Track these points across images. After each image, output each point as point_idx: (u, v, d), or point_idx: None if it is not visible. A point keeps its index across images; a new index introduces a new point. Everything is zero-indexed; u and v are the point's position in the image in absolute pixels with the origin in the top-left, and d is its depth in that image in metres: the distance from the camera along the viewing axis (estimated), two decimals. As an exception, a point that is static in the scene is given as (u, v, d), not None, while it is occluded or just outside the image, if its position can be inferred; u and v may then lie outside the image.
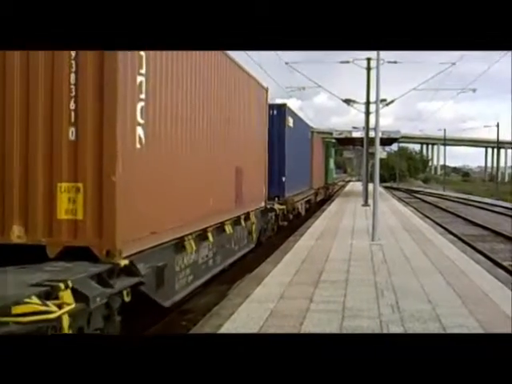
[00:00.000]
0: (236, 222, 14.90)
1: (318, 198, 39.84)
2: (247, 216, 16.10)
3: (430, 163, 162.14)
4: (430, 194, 70.52)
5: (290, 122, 23.85)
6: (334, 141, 52.43)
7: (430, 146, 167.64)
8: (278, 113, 22.61)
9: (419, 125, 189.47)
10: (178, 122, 10.13)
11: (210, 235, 11.97)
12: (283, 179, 22.64)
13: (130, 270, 8.27)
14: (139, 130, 8.51)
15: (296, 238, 19.38)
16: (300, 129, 27.98)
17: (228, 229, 13.50)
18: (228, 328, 8.53)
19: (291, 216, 24.24)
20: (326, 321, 8.97)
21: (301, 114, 32.72)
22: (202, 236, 11.79)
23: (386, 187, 77.99)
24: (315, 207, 35.56)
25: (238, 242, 15.47)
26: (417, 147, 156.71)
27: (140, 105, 8.46)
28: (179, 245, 10.41)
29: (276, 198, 21.64)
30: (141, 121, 8.54)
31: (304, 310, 9.59)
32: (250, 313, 9.43)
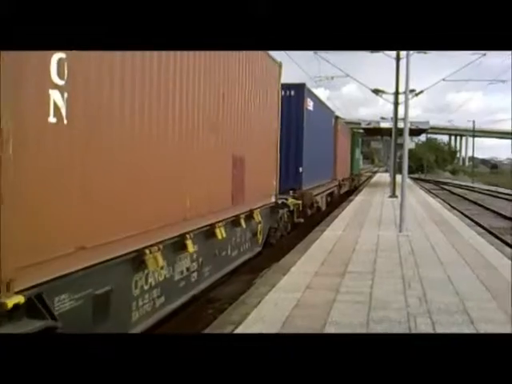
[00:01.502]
0: (234, 223, 11.84)
1: (343, 190, 36.52)
2: (250, 215, 13.01)
3: (457, 155, 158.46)
4: (458, 186, 68.18)
5: (310, 104, 20.62)
6: (361, 131, 51.48)
7: (458, 138, 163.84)
8: (296, 94, 19.38)
9: (447, 116, 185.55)
10: (134, 91, 7.12)
11: (189, 243, 8.91)
12: (300, 170, 19.49)
13: (35, 310, 5.30)
14: (55, 96, 5.49)
15: (322, 229, 18.59)
16: (322, 113, 24.65)
17: (220, 233, 10.42)
18: (254, 317, 8.39)
19: (309, 211, 21.05)
20: (353, 312, 8.74)
21: (329, 104, 29.76)
22: (177, 245, 8.76)
23: (413, 178, 75.90)
24: (339, 200, 32.35)
25: (236, 247, 12.41)
26: (445, 138, 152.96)
27: (56, 57, 5.45)
28: (137, 260, 7.40)
29: (291, 192, 18.52)
30: (59, 81, 5.53)
31: (330, 301, 9.35)
32: (277, 302, 9.22)
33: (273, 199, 15.51)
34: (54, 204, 5.58)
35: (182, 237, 8.79)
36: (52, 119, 5.46)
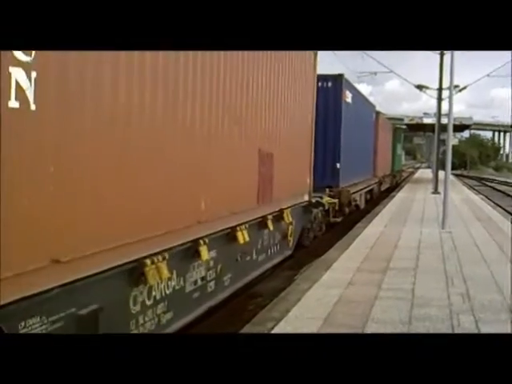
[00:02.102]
0: (260, 224, 10.65)
1: (383, 187, 35.02)
2: (280, 215, 11.79)
3: (501, 151, 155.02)
4: (502, 183, 65.78)
5: (348, 96, 19.28)
6: (403, 127, 50.53)
7: (502, 134, 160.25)
8: (334, 85, 18.08)
9: (492, 112, 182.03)
10: (142, 76, 5.98)
11: (203, 250, 7.74)
12: (338, 166, 18.21)
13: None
14: (17, 76, 4.36)
15: (364, 225, 18.24)
16: (361, 107, 23.25)
17: (242, 236, 9.23)
18: (295, 313, 8.24)
19: (347, 210, 19.74)
20: (395, 308, 8.58)
21: (371, 100, 28.40)
22: (189, 253, 7.61)
23: (456, 175, 74.00)
24: (380, 197, 30.93)
25: (263, 251, 11.20)
26: (488, 134, 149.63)
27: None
28: (136, 272, 6.26)
29: (327, 189, 17.25)
30: (23, 58, 4.39)
31: (372, 297, 9.18)
32: (318, 298, 9.09)
33: (306, 198, 14.27)
34: (20, 207, 4.46)
35: (195, 242, 7.64)
36: (14, 104, 4.33)
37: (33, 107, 4.52)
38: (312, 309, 8.49)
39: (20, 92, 4.38)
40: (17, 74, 4.35)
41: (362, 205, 23.95)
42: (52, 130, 4.77)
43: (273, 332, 7.32)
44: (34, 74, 4.50)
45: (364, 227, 17.79)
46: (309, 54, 13.70)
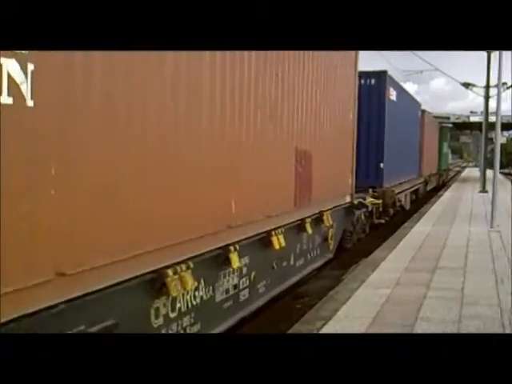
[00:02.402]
0: (297, 228, 10.04)
1: (429, 187, 34.03)
2: (319, 218, 11.17)
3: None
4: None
5: (393, 94, 18.53)
6: (450, 125, 49.60)
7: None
8: (377, 82, 17.36)
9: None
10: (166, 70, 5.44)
11: (234, 257, 7.17)
12: (381, 166, 17.50)
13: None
14: (10, 68, 3.85)
15: (411, 225, 18.01)
16: (406, 105, 22.41)
17: (277, 241, 8.65)
18: (344, 313, 8.22)
19: (392, 211, 18.99)
20: (445, 308, 8.46)
21: (417, 98, 27.56)
22: (218, 260, 7.06)
23: (504, 173, 72.36)
24: (426, 196, 30.01)
25: (301, 256, 10.60)
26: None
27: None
28: (157, 283, 5.72)
29: (370, 190, 16.55)
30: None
31: (421, 297, 9.04)
32: (366, 298, 9.04)
33: (348, 199, 13.61)
34: (17, 216, 3.95)
35: (225, 249, 7.08)
36: (5, 99, 3.82)
37: (30, 103, 4.00)
38: (361, 308, 8.45)
39: (13, 86, 3.86)
40: (9, 66, 3.83)
41: (408, 205, 23.13)
42: (54, 128, 4.24)
43: (298, 332, 7.31)
44: (30, 67, 3.98)
45: (411, 227, 17.52)
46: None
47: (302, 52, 9.55)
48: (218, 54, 6.63)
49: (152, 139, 5.48)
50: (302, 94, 9.75)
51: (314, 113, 10.43)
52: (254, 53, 7.62)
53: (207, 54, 6.37)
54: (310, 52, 10.03)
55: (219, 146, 6.79)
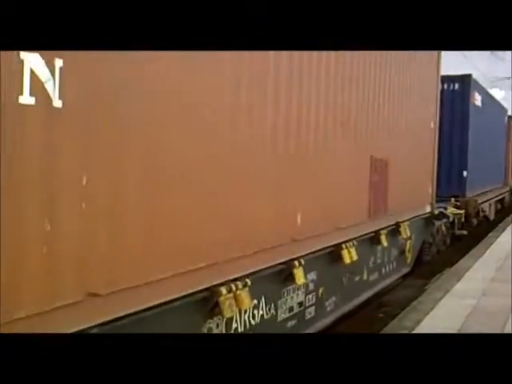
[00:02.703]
0: (371, 240, 9.38)
1: (516, 196, 32.59)
2: (396, 229, 10.46)
3: None
4: None
5: (478, 99, 17.57)
6: None
7: None
8: (461, 87, 16.46)
9: None
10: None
11: (298, 273, 6.58)
12: (464, 174, 16.58)
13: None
14: (33, 64, 3.38)
15: (497, 235, 17.61)
16: (492, 111, 21.24)
17: (348, 255, 8.01)
18: (427, 324, 7.95)
19: (475, 221, 18.00)
20: None
21: (504, 104, 26.30)
22: (281, 276, 6.50)
23: None
24: (510, 207, 28.66)
25: (375, 270, 9.91)
26: None
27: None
28: (209, 302, 5.20)
29: (452, 199, 15.68)
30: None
31: (508, 309, 8.59)
32: (451, 309, 8.80)
33: (428, 209, 12.83)
34: (38, 230, 3.49)
35: (289, 264, 6.51)
36: (26, 99, 3.35)
37: (57, 104, 3.53)
38: (445, 319, 8.24)
39: (37, 85, 3.40)
40: (32, 62, 3.37)
41: (492, 215, 22.00)
42: (87, 133, 3.77)
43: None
44: (59, 63, 3.52)
45: (496, 237, 17.13)
46: (430, 52, 12.27)
47: (378, 54, 8.89)
48: (284, 53, 6.08)
49: (211, 147, 4.97)
50: (378, 98, 9.09)
51: (391, 118, 9.75)
52: (324, 53, 7.03)
53: (271, 54, 5.83)
54: (388, 54, 9.36)
55: (284, 153, 6.23)
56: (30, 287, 3.43)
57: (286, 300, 6.74)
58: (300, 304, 7.10)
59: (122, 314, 4.11)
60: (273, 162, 6.03)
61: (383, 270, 10.30)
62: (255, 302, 5.97)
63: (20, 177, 3.33)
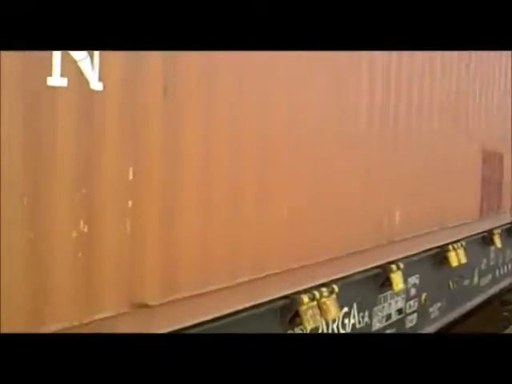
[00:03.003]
0: (484, 240, 8.54)
1: None
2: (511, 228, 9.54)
3: None
4: None
5: None
6: None
7: None
8: None
9: None
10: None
11: (396, 277, 5.92)
12: None
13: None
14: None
15: None
16: None
17: (455, 257, 7.24)
18: None
19: None
20: None
21: None
22: (377, 280, 5.86)
23: None
24: None
25: (488, 273, 9.04)
26: None
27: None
28: (289, 311, 4.63)
29: None
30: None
31: None
32: None
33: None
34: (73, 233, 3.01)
35: (385, 268, 5.85)
36: (56, 80, 2.87)
37: (96, 87, 3.03)
38: None
39: (69, 64, 2.91)
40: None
41: None
42: (137, 121, 3.26)
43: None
44: (98, 39, 3.02)
45: None
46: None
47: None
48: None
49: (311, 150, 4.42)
50: (493, 84, 8.23)
51: (506, 106, 8.84)
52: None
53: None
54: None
55: (381, 145, 5.59)
56: (61, 299, 2.96)
57: (383, 307, 6.08)
58: (399, 311, 6.42)
59: (179, 326, 3.60)
60: (374, 156, 5.42)
61: (497, 273, 9.40)
62: (346, 309, 5.37)
63: (47, 172, 2.85)
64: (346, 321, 5.44)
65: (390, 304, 6.19)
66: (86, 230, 3.01)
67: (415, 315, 6.76)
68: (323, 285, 4.85)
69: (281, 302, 4.52)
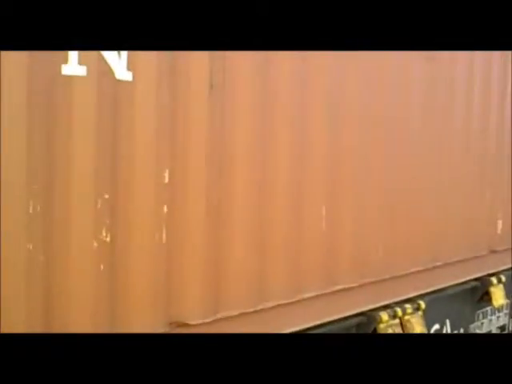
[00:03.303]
0: None
1: None
2: None
3: None
4: None
5: None
6: None
7: None
8: None
9: None
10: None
11: (496, 292, 5.28)
12: None
13: None
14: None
15: None
16: None
17: None
18: None
19: None
20: None
21: None
22: (474, 294, 5.26)
23: None
24: None
25: None
26: None
27: None
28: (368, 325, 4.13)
29: None
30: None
31: None
32: None
33: None
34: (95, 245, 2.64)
35: (485, 280, 5.23)
36: (73, 68, 2.50)
37: (125, 76, 2.65)
38: None
39: (88, 51, 2.53)
40: (82, 19, 2.51)
41: None
42: (175, 116, 2.86)
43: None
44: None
45: None
46: None
47: None
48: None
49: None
50: None
51: None
52: None
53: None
54: None
55: (482, 152, 5.01)
56: (79, 319, 2.60)
57: (482, 324, 5.44)
58: (502, 328, 5.76)
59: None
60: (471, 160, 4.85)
61: None
62: (437, 326, 4.80)
63: (64, 173, 2.48)
64: (438, 339, 4.87)
65: (490, 321, 5.55)
66: (108, 239, 2.63)
67: None
68: (406, 301, 4.31)
69: (356, 320, 4.02)
